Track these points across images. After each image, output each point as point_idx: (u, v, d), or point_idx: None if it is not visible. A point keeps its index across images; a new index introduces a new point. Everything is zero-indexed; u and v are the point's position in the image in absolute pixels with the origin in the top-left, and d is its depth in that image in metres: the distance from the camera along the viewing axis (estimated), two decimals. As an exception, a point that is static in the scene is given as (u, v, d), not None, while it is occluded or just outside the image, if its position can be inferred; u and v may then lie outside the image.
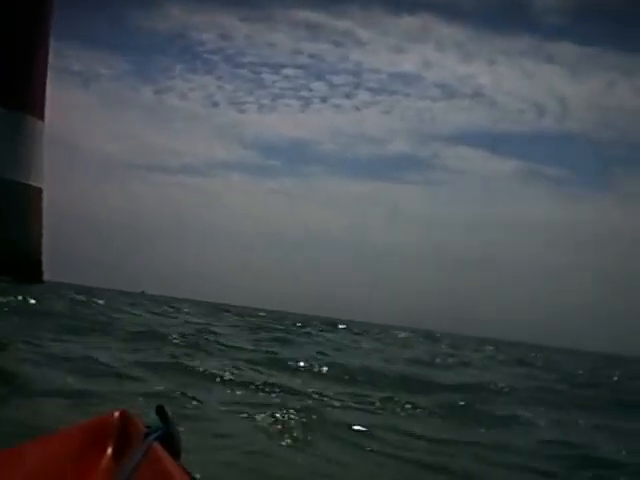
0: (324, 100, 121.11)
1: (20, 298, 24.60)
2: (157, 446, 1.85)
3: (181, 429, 2.06)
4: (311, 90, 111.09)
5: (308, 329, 36.12)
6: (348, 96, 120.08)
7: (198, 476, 1.87)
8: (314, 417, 8.27)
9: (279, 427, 7.67)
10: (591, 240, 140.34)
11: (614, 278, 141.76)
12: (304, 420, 8.01)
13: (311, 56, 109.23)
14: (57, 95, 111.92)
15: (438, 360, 23.17)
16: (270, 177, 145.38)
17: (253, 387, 10.87)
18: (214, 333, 21.47)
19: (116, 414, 2.04)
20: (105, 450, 1.97)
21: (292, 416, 8.18)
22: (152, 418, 2.00)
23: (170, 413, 2.01)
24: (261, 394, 10.41)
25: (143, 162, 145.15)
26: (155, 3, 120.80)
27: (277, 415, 8.15)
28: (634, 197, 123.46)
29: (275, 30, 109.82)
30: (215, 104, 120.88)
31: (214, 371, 11.80)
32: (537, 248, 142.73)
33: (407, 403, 10.91)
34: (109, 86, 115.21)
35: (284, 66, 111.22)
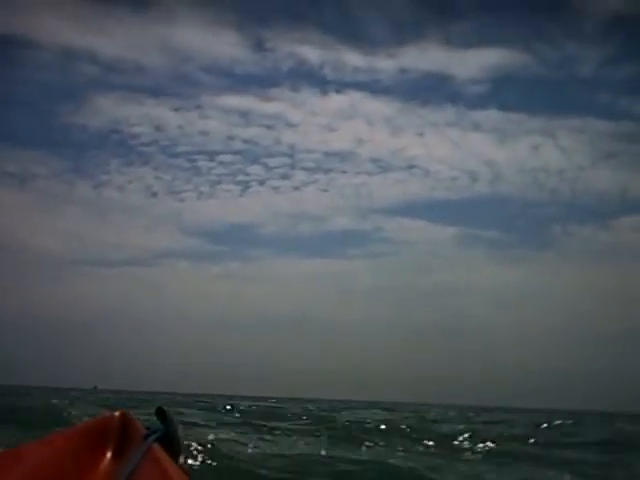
0: (262, 183, 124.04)
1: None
2: (157, 447, 1.87)
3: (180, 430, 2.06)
4: (248, 174, 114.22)
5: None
6: (285, 177, 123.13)
7: (197, 477, 1.89)
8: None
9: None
10: (534, 298, 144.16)
11: (561, 332, 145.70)
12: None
13: (245, 141, 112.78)
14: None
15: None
16: (216, 262, 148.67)
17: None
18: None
19: (116, 415, 2.06)
20: (105, 451, 1.99)
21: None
22: (152, 419, 2.02)
23: (170, 414, 2.02)
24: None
25: (85, 257, 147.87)
26: (83, 97, 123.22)
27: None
28: (573, 253, 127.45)
29: (207, 117, 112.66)
30: (154, 194, 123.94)
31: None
32: (484, 309, 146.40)
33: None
34: (46, 184, 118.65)
35: (219, 153, 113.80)
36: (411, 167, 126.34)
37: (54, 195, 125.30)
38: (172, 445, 1.94)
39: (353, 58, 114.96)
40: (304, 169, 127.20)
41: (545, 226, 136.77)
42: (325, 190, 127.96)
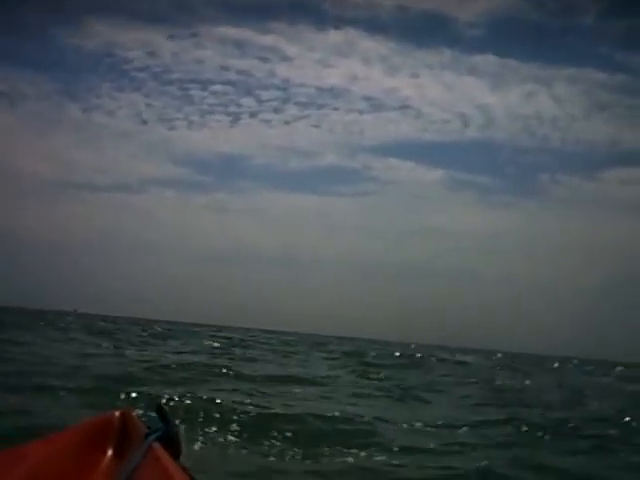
0: (253, 115, 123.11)
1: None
2: (157, 446, 1.87)
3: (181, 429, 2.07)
4: (240, 106, 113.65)
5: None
6: (277, 111, 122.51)
7: (198, 476, 1.89)
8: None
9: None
10: (519, 245, 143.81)
11: (541, 281, 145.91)
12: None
13: (239, 72, 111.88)
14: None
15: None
16: (202, 193, 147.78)
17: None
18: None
19: (117, 414, 2.06)
20: (106, 450, 1.98)
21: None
22: (152, 418, 2.02)
23: (170, 413, 2.02)
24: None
25: (73, 180, 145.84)
26: (81, 21, 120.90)
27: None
28: (560, 202, 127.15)
29: (202, 47, 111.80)
30: (144, 121, 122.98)
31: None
32: (468, 254, 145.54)
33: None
34: (36, 106, 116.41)
35: (212, 82, 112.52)
36: (404, 107, 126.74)
37: (43, 116, 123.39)
38: (173, 444, 1.93)
39: None
40: (297, 104, 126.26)
41: (533, 174, 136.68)
42: (316, 126, 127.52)
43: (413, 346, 55.28)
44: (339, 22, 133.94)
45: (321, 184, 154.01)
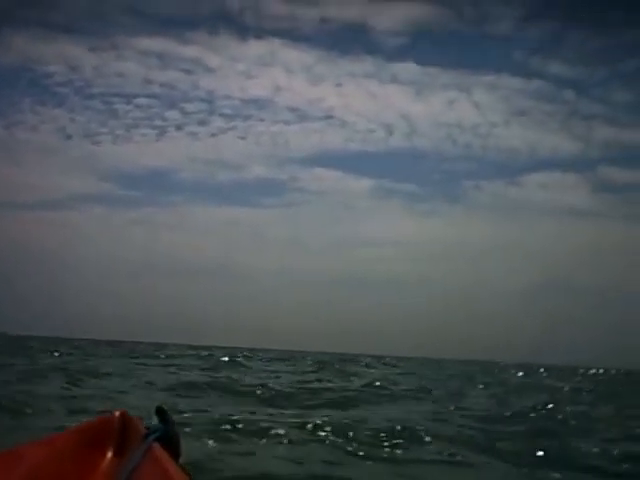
0: (179, 128, 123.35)
1: None
2: (157, 446, 1.87)
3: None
4: (165, 119, 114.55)
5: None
6: (202, 123, 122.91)
7: (197, 476, 1.89)
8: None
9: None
10: (445, 251, 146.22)
11: (464, 285, 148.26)
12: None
13: (162, 85, 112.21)
14: None
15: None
16: (131, 207, 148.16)
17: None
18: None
19: (116, 414, 2.06)
20: (105, 450, 1.99)
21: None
22: (152, 419, 2.02)
23: (169, 413, 2.02)
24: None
25: None
26: None
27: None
28: (484, 207, 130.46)
29: (124, 59, 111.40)
30: (68, 136, 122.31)
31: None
32: (396, 263, 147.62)
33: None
34: None
35: (136, 96, 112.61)
36: (328, 117, 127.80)
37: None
38: (172, 444, 1.94)
39: (274, 5, 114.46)
40: (222, 115, 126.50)
41: (457, 180, 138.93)
42: (243, 138, 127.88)
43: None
44: (261, 32, 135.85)
45: (250, 196, 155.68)
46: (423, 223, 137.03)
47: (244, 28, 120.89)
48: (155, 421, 2.00)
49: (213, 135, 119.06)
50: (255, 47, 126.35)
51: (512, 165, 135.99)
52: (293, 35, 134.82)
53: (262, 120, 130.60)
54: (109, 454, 1.98)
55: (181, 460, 1.93)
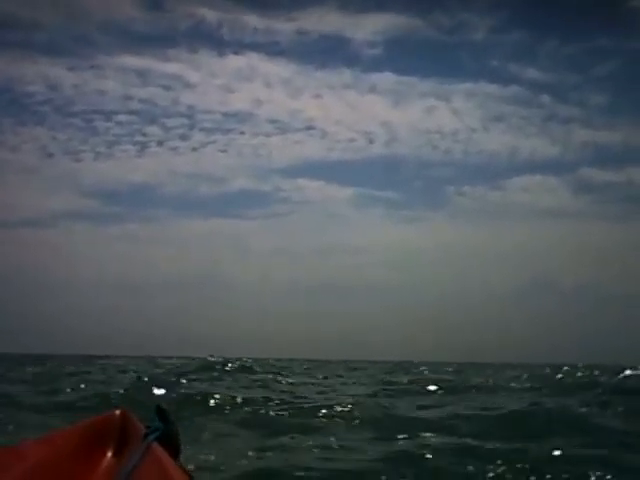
0: (160, 144, 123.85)
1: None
2: (156, 445, 1.87)
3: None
4: (146, 135, 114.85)
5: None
6: (183, 138, 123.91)
7: (197, 475, 1.89)
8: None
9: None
10: (429, 258, 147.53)
11: (451, 291, 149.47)
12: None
13: (142, 101, 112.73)
14: None
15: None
16: (114, 223, 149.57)
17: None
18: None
19: (116, 413, 2.06)
20: (105, 449, 1.99)
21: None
22: (151, 418, 2.02)
23: (169, 413, 2.02)
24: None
25: None
26: None
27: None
28: (466, 213, 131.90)
29: (103, 77, 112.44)
30: (50, 155, 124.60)
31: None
32: (379, 269, 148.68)
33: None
34: None
35: (116, 112, 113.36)
36: (309, 128, 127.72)
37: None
38: (172, 444, 1.94)
39: (251, 20, 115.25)
40: (203, 130, 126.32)
41: (439, 187, 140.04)
42: (224, 151, 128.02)
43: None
44: (239, 47, 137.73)
45: (233, 209, 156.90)
46: (407, 230, 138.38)
47: (221, 43, 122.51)
48: (155, 420, 2.01)
49: (194, 149, 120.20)
50: (234, 61, 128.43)
51: (493, 170, 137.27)
52: (271, 49, 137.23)
53: (243, 133, 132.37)
54: (109, 453, 1.98)
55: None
